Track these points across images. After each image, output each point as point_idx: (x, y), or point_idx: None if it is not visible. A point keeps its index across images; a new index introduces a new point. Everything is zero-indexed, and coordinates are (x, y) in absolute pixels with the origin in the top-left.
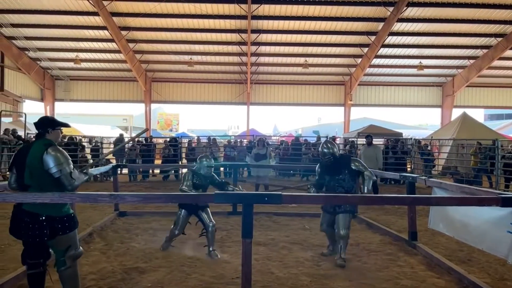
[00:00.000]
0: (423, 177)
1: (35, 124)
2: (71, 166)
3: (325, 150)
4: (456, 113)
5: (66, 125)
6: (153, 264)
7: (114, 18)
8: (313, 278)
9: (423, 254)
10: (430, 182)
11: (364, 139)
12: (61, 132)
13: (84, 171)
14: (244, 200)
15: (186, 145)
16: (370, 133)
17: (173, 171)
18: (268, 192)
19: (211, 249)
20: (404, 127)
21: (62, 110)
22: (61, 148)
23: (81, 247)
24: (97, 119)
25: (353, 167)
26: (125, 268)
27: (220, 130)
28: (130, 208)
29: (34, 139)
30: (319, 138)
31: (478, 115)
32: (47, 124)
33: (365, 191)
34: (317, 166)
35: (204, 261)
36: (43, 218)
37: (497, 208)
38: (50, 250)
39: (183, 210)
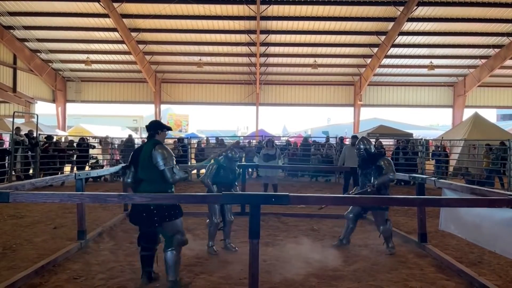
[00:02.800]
0: (433, 178)
1: (147, 126)
2: (174, 162)
3: (358, 146)
4: (467, 113)
5: (170, 128)
6: (161, 264)
7: (124, 20)
8: (321, 279)
9: (433, 256)
10: (440, 183)
11: (348, 140)
12: (166, 134)
13: (185, 170)
14: (251, 201)
15: (196, 145)
16: (380, 133)
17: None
18: (276, 193)
19: (227, 241)
20: (415, 128)
21: (74, 111)
22: (166, 146)
23: (186, 236)
24: (108, 120)
25: (378, 163)
26: (134, 268)
27: (229, 131)
28: None
29: (146, 140)
30: (328, 139)
31: (490, 115)
32: (157, 127)
33: (374, 182)
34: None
35: (212, 262)
36: (153, 207)
37: (510, 209)
38: (160, 236)
39: None
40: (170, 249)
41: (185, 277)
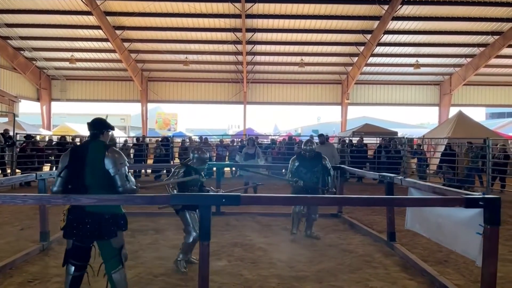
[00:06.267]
0: (400, 177)
1: (90, 124)
2: (127, 168)
3: (310, 147)
4: (453, 112)
5: (113, 128)
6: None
7: (108, 18)
8: (282, 280)
9: (400, 255)
10: (405, 182)
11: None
12: (111, 134)
13: (139, 185)
14: (201, 202)
15: (180, 144)
16: (365, 132)
17: (165, 171)
18: (227, 193)
19: (179, 258)
20: (404, 126)
21: (59, 110)
22: (118, 150)
23: None
24: None
25: (323, 162)
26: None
27: (219, 130)
28: None
29: (88, 140)
30: (312, 137)
31: (479, 113)
32: (102, 126)
33: (332, 188)
34: (293, 159)
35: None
36: (108, 217)
37: (467, 209)
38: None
39: (186, 211)
40: (118, 268)
41: (143, 279)
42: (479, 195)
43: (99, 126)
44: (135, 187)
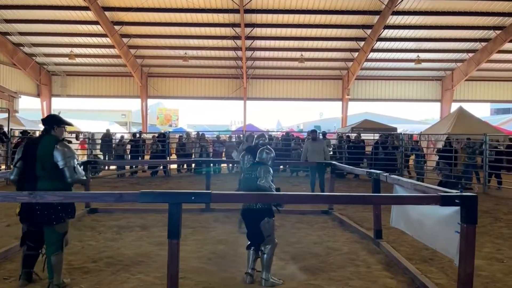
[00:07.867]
0: (385, 174)
1: (43, 120)
2: (75, 161)
3: (263, 141)
4: (455, 107)
5: (70, 124)
6: (101, 264)
7: (106, 13)
8: (259, 278)
9: (385, 253)
10: (390, 179)
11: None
12: (65, 130)
13: (87, 175)
14: (170, 199)
15: (177, 140)
16: (364, 127)
17: (161, 167)
18: (197, 191)
19: (263, 276)
20: (407, 122)
21: (60, 106)
22: (68, 144)
23: None
24: (95, 114)
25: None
26: (70, 268)
27: (221, 126)
28: (103, 205)
29: (40, 134)
30: (309, 133)
31: (484, 109)
32: (54, 121)
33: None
34: (244, 154)
35: (156, 262)
36: (56, 204)
37: (447, 207)
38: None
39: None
40: (58, 251)
41: (119, 277)
42: (456, 192)
43: (50, 122)
44: (84, 178)
